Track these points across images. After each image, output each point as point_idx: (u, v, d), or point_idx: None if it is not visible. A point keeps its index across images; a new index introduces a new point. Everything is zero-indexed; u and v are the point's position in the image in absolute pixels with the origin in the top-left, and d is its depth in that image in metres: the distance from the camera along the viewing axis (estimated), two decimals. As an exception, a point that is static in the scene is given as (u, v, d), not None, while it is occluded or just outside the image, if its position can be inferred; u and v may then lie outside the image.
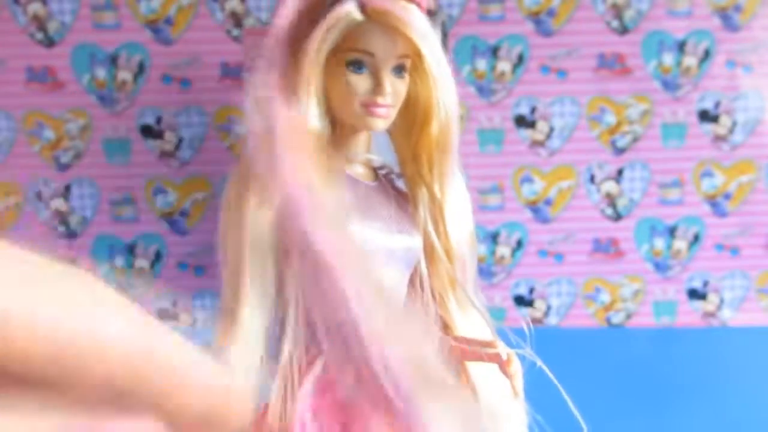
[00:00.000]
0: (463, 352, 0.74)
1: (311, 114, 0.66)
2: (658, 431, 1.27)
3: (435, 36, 0.68)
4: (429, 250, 0.74)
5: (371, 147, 0.75)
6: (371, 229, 0.70)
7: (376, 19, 0.65)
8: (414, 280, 0.76)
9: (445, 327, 0.77)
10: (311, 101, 0.66)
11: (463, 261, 0.75)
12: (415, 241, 0.73)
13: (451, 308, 0.76)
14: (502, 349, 0.71)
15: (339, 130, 0.72)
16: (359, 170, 0.75)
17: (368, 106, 0.68)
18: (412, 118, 0.73)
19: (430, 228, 0.74)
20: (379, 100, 0.67)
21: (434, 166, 0.73)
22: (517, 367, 0.70)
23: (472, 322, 0.77)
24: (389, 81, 0.68)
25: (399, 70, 0.69)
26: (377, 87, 0.67)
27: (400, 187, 0.78)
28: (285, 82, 0.65)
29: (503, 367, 0.70)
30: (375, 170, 0.78)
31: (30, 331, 0.20)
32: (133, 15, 1.64)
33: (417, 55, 0.68)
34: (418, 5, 0.67)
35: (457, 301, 0.76)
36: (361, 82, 0.67)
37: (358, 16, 0.65)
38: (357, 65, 0.67)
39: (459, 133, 0.73)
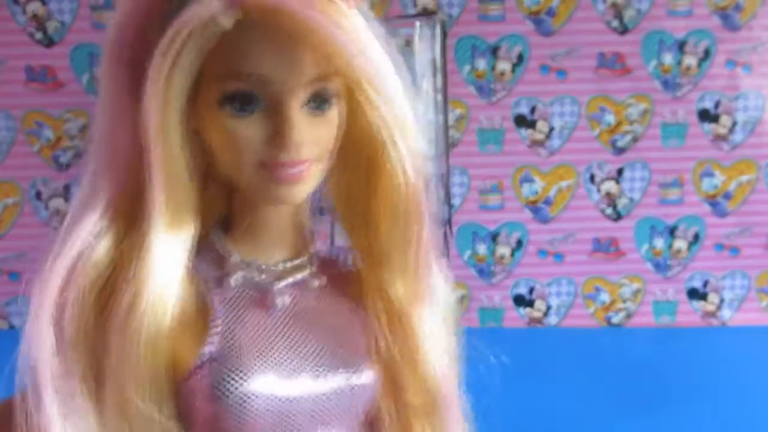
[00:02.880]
0: None
1: (165, 200, 0.39)
2: (658, 431, 1.27)
3: (372, 39, 0.42)
4: (387, 381, 0.46)
5: (303, 218, 0.48)
6: (280, 376, 0.41)
7: (262, 21, 0.38)
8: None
9: None
10: (163, 174, 0.39)
11: (440, 399, 0.47)
12: (364, 377, 0.44)
13: None
14: None
15: (238, 204, 0.44)
16: (273, 266, 0.45)
17: (271, 169, 0.40)
18: (355, 167, 0.44)
19: (384, 346, 0.45)
20: (283, 156, 0.39)
21: (392, 247, 0.45)
22: None
23: None
24: (300, 121, 0.40)
25: (318, 100, 0.41)
26: (278, 135, 0.39)
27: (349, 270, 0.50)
28: (124, 137, 0.41)
29: None
30: (299, 260, 0.46)
31: None
32: (132, 14, 1.64)
33: (348, 73, 0.41)
34: None
35: None
36: (251, 129, 0.39)
37: (225, 17, 0.38)
38: (242, 102, 0.39)
39: (427, 194, 0.45)
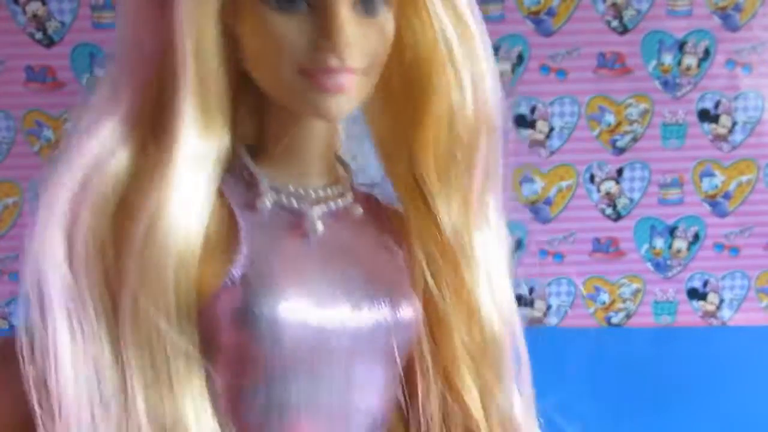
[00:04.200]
0: None
1: (196, 102, 0.35)
2: (658, 430, 1.27)
3: None
4: (433, 322, 0.41)
5: (336, 145, 0.43)
6: (311, 304, 0.36)
7: None
8: (411, 376, 0.42)
9: None
10: (194, 72, 0.34)
11: (495, 344, 0.42)
12: (405, 313, 0.39)
13: (476, 415, 0.42)
14: None
15: (272, 120, 0.39)
16: (309, 191, 0.40)
17: (312, 75, 0.35)
18: (406, 90, 0.40)
19: (432, 284, 0.40)
20: (332, 60, 0.35)
21: (446, 178, 0.40)
22: None
23: None
24: (350, 21, 0.35)
25: (370, 2, 0.36)
26: (326, 34, 0.34)
27: (393, 211, 0.44)
28: (148, 37, 0.37)
29: None
30: (342, 180, 0.43)
31: None
32: (132, 14, 1.64)
33: None
34: None
35: (485, 403, 0.42)
36: (294, 27, 0.35)
37: None
38: None
39: (500, 123, 0.41)
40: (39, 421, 0.34)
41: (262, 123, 0.39)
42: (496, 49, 1.67)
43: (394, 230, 0.42)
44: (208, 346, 0.35)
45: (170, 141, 0.34)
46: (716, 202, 1.71)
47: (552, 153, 1.69)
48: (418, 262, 0.40)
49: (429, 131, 0.40)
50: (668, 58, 1.65)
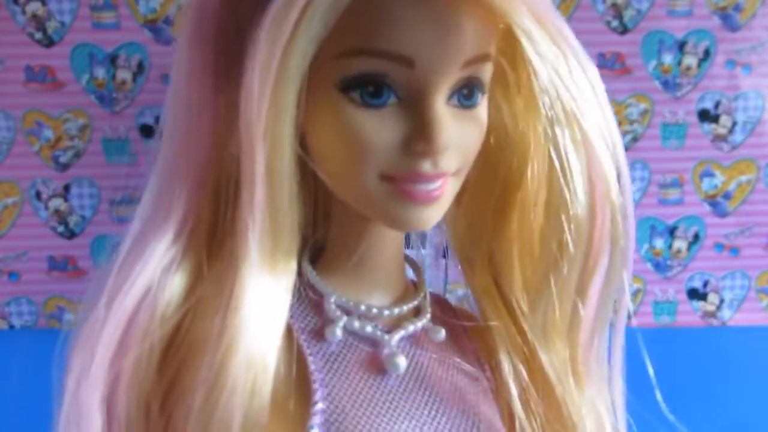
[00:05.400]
0: None
1: (266, 224, 0.27)
2: (658, 430, 1.26)
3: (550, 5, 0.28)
4: None
5: (403, 261, 0.36)
6: None
7: None
8: None
9: None
10: (268, 187, 0.27)
11: None
12: None
13: None
14: None
15: (335, 222, 0.33)
16: (382, 311, 0.33)
17: (400, 182, 0.29)
18: (489, 185, 0.33)
19: (518, 405, 0.34)
20: (425, 166, 0.29)
21: (543, 303, 0.33)
22: None
23: None
24: (449, 119, 0.29)
25: (468, 91, 0.30)
26: (423, 135, 0.28)
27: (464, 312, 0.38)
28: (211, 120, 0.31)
29: None
30: (414, 301, 0.35)
31: None
32: (132, 15, 1.64)
33: (503, 54, 0.32)
34: None
35: None
36: (380, 125, 0.28)
37: None
38: (371, 87, 0.28)
39: (631, 228, 0.33)
40: None
41: (322, 223, 0.32)
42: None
43: (475, 345, 0.34)
44: None
45: (235, 263, 0.27)
46: (716, 202, 1.71)
47: (552, 153, 1.69)
48: (505, 380, 0.33)
49: (517, 235, 0.32)
50: (668, 58, 1.65)
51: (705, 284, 1.74)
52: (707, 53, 1.65)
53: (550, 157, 0.30)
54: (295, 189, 0.28)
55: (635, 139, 1.68)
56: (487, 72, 0.31)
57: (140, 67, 1.66)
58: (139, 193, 0.32)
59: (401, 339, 0.31)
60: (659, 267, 1.74)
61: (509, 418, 0.33)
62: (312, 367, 0.29)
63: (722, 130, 1.68)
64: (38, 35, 1.64)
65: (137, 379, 0.26)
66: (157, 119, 1.68)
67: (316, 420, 0.28)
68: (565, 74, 0.31)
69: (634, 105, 1.67)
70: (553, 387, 0.32)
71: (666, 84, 1.66)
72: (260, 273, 0.26)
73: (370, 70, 0.27)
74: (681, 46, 1.65)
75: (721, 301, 1.75)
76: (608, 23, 1.64)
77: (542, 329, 0.31)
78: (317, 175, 0.29)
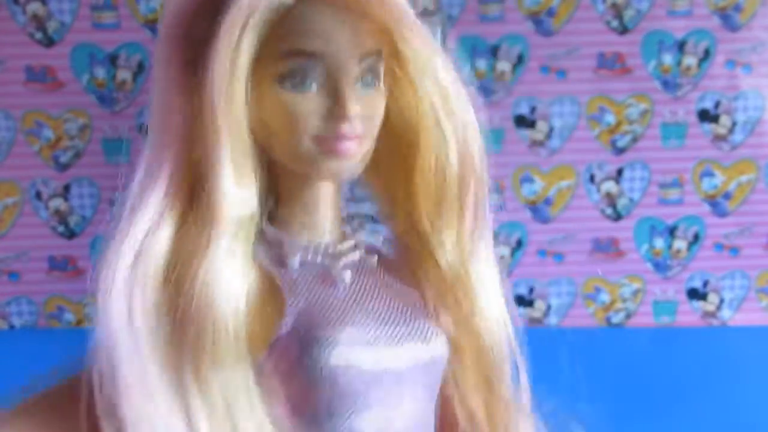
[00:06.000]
0: None
1: (237, 181, 0.39)
2: (658, 431, 1.27)
3: (414, 16, 0.44)
4: (452, 351, 0.46)
5: (340, 200, 0.47)
6: (360, 345, 0.41)
7: None
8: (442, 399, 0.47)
9: None
10: (240, 155, 0.40)
11: (499, 362, 0.48)
12: (436, 346, 0.44)
13: (479, 414, 0.48)
14: None
15: (286, 186, 0.44)
16: (327, 247, 0.45)
17: (325, 142, 0.41)
18: (396, 146, 0.45)
19: (445, 317, 0.46)
20: (343, 128, 0.41)
21: (438, 223, 0.46)
22: None
23: None
24: (354, 95, 0.41)
25: (369, 76, 0.43)
26: (336, 108, 0.40)
27: (395, 256, 0.50)
28: (182, 119, 0.41)
29: None
30: (350, 240, 0.47)
31: None
32: (132, 15, 1.64)
33: (393, 50, 0.43)
34: None
35: (494, 418, 0.48)
36: (308, 103, 0.40)
37: None
38: (299, 77, 0.40)
39: (483, 167, 0.48)
40: None
41: (273, 190, 0.44)
42: (496, 49, 1.67)
43: (403, 274, 0.47)
44: (270, 392, 0.39)
45: (210, 213, 0.39)
46: (716, 202, 1.71)
47: (552, 153, 1.69)
48: (429, 299, 0.46)
49: (419, 183, 0.46)
50: (668, 58, 1.65)
51: (705, 284, 1.74)
52: (707, 53, 1.65)
53: (434, 129, 0.45)
54: (249, 148, 0.40)
55: (635, 139, 1.69)
56: (380, 66, 0.43)
57: (140, 67, 1.66)
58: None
59: (344, 264, 0.44)
60: (659, 267, 1.74)
61: (436, 314, 0.47)
62: (280, 282, 0.41)
63: (722, 130, 1.68)
64: (38, 35, 1.64)
65: (147, 296, 0.38)
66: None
67: (289, 317, 0.39)
68: (432, 65, 0.44)
69: (634, 105, 1.67)
70: (464, 278, 0.47)
71: (666, 84, 1.66)
72: (230, 213, 0.39)
73: (295, 66, 0.40)
74: (681, 46, 1.65)
75: (721, 301, 1.75)
76: (608, 23, 1.64)
77: (439, 240, 0.46)
78: (263, 159, 0.42)
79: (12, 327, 1.75)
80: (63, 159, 1.69)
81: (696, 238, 1.72)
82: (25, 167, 1.68)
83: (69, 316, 1.75)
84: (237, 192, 0.40)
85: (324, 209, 0.45)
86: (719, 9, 1.63)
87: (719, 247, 1.73)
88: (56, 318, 1.75)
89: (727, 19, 1.63)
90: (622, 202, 1.71)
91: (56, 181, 1.70)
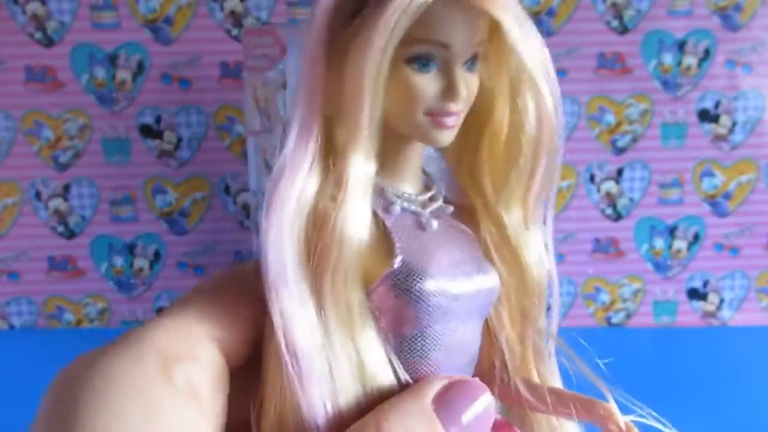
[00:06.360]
0: (546, 405, 0.59)
1: (367, 143, 0.49)
2: (658, 431, 1.26)
3: (520, 10, 0.52)
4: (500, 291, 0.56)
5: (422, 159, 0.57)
6: (446, 279, 0.51)
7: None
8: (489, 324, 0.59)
9: (526, 383, 0.59)
10: (372, 121, 0.48)
11: (541, 303, 0.58)
12: (493, 280, 0.54)
13: (530, 358, 0.60)
14: (618, 414, 0.55)
15: (389, 145, 0.53)
16: (416, 197, 0.55)
17: (436, 116, 0.50)
18: (470, 112, 0.53)
19: (499, 265, 0.55)
20: (452, 107, 0.49)
21: (506, 182, 0.54)
22: None
23: (555, 376, 0.62)
24: (463, 79, 0.49)
25: (472, 62, 0.51)
26: (450, 90, 0.48)
27: (460, 201, 0.59)
28: (327, 97, 0.50)
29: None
30: (431, 187, 0.58)
31: None
32: (132, 15, 1.64)
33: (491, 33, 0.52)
34: None
35: (528, 348, 0.60)
36: (428, 84, 0.48)
37: None
38: (425, 62, 0.48)
39: (556, 144, 0.53)
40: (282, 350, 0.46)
41: (381, 150, 0.52)
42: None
43: (467, 220, 0.56)
44: (378, 311, 0.49)
45: (345, 169, 0.48)
46: (716, 202, 1.71)
47: (552, 153, 1.69)
48: (488, 247, 0.55)
49: (487, 152, 0.54)
50: (668, 58, 1.65)
51: (705, 284, 1.75)
52: (707, 53, 1.65)
53: (512, 101, 0.52)
54: (378, 117, 0.48)
55: (635, 139, 1.69)
56: (481, 52, 0.51)
57: (140, 67, 1.66)
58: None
59: (431, 212, 0.53)
60: (659, 267, 1.74)
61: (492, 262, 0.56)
62: (388, 224, 0.50)
63: (722, 130, 1.68)
64: (38, 35, 1.64)
65: (299, 234, 0.46)
66: (157, 119, 1.68)
67: (398, 253, 0.49)
68: (527, 47, 0.52)
69: (634, 105, 1.67)
70: (511, 238, 0.55)
71: (666, 84, 1.66)
72: (361, 169, 0.48)
73: (424, 51, 0.48)
74: (681, 46, 1.65)
75: (721, 301, 1.75)
76: (608, 23, 1.64)
77: (506, 204, 0.54)
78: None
79: (12, 327, 1.75)
80: (63, 159, 1.69)
81: (696, 238, 1.72)
82: (25, 167, 1.69)
83: (69, 316, 1.75)
84: (365, 159, 0.48)
85: (415, 165, 0.55)
86: (719, 9, 1.63)
87: (719, 247, 1.73)
88: (56, 318, 1.75)
89: (727, 19, 1.64)
90: (622, 202, 1.71)
91: (56, 181, 1.70)
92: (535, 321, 0.58)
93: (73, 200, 1.70)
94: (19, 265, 1.72)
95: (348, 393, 0.47)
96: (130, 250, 1.74)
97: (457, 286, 0.51)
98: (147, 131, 1.68)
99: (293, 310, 0.46)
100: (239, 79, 1.62)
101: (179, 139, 1.69)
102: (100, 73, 1.65)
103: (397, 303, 0.49)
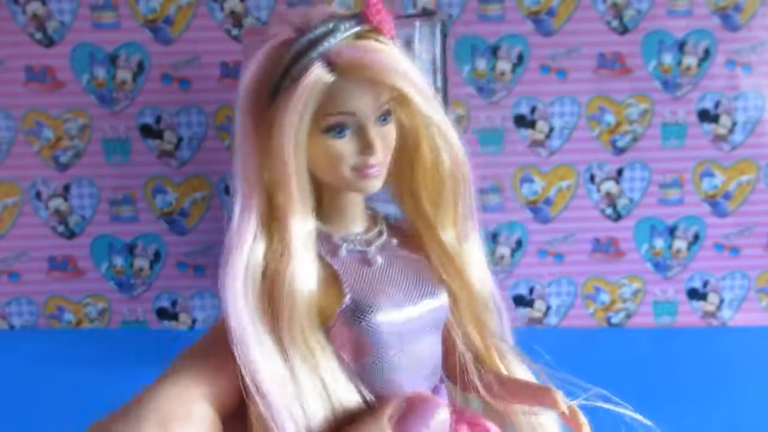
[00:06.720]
0: (513, 397, 0.65)
1: (301, 204, 0.57)
2: (658, 430, 1.26)
3: (410, 64, 0.58)
4: (452, 302, 0.64)
5: (363, 201, 0.64)
6: (393, 308, 0.58)
7: (349, 74, 0.55)
8: (445, 335, 0.65)
9: (493, 380, 0.66)
10: (300, 184, 0.57)
11: (487, 307, 0.66)
12: (441, 299, 0.61)
13: (494, 355, 0.67)
14: (562, 399, 0.62)
15: (328, 198, 0.61)
16: (360, 235, 0.63)
17: (360, 170, 0.58)
18: (402, 148, 0.62)
19: (446, 278, 0.63)
20: (371, 160, 0.57)
21: (438, 210, 0.63)
22: (582, 420, 0.62)
23: (514, 372, 0.68)
24: (377, 136, 0.57)
25: (384, 117, 0.58)
26: (366, 148, 0.57)
27: (407, 231, 0.67)
28: (258, 159, 0.58)
29: (566, 419, 0.62)
30: (377, 224, 0.65)
31: None
32: (132, 15, 1.64)
33: (399, 93, 0.58)
34: (383, 33, 0.58)
35: (491, 348, 0.67)
36: (346, 146, 0.57)
37: (328, 78, 0.54)
38: (338, 129, 0.56)
39: (468, 170, 0.62)
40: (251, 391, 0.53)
41: (320, 202, 0.61)
42: (496, 49, 1.67)
43: (418, 246, 0.64)
44: (341, 345, 0.57)
45: (286, 232, 0.56)
46: (716, 202, 1.71)
47: (552, 153, 1.69)
48: (434, 266, 0.63)
49: (421, 176, 0.63)
50: (668, 58, 1.65)
51: (705, 284, 1.75)
52: (707, 53, 1.65)
53: (430, 140, 0.61)
54: (307, 184, 0.57)
55: (635, 139, 1.69)
56: (392, 108, 0.59)
57: (140, 67, 1.66)
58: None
59: (375, 248, 0.62)
60: (659, 267, 1.74)
61: (441, 278, 0.63)
62: (336, 268, 0.58)
63: (722, 130, 1.68)
64: (38, 35, 1.64)
65: (253, 290, 0.54)
66: (157, 119, 1.68)
67: (347, 294, 0.56)
68: (429, 106, 0.59)
69: (634, 105, 1.67)
70: (459, 255, 0.64)
71: (666, 84, 1.66)
72: (301, 229, 0.57)
73: (335, 121, 0.56)
74: (681, 46, 1.65)
75: (721, 301, 1.75)
76: (608, 23, 1.64)
77: (442, 226, 0.63)
78: (313, 180, 0.59)
79: (12, 327, 1.75)
80: (63, 159, 1.69)
81: (696, 238, 1.72)
82: (25, 167, 1.69)
83: (69, 317, 1.75)
84: (302, 218, 0.57)
85: (357, 208, 0.63)
86: (719, 9, 1.63)
87: (719, 247, 1.73)
88: (56, 318, 1.75)
89: (727, 19, 1.64)
90: (622, 202, 1.71)
91: (56, 181, 1.70)
92: (488, 325, 0.66)
93: (74, 200, 1.70)
94: (20, 265, 1.72)
95: (317, 417, 0.54)
96: (130, 250, 1.74)
97: (404, 314, 0.58)
98: (147, 131, 1.68)
99: (257, 360, 0.53)
100: (239, 79, 1.62)
101: (179, 139, 1.69)
102: (100, 73, 1.65)
103: (353, 335, 0.56)
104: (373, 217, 0.65)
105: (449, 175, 0.61)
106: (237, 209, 0.57)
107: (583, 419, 0.62)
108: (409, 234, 0.66)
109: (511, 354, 0.68)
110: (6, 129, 1.66)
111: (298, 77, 0.55)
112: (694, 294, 1.75)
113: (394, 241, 0.64)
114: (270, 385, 0.53)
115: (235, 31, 1.65)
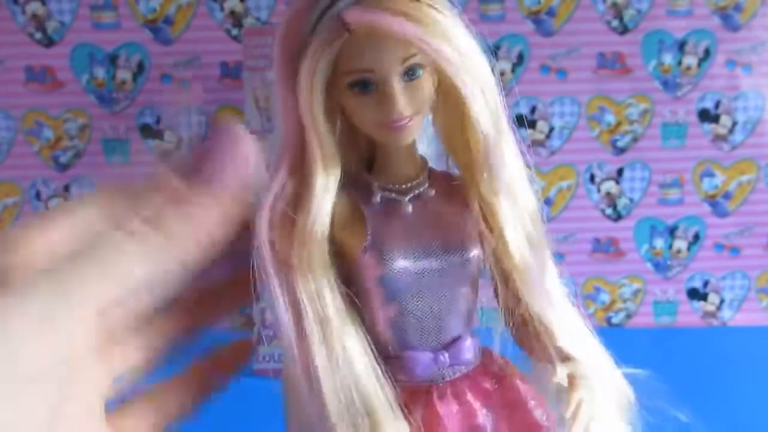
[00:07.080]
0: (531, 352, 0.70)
1: (324, 156, 0.59)
2: (658, 431, 1.26)
3: (442, 14, 0.58)
4: (493, 257, 0.66)
5: (413, 148, 0.66)
6: (408, 258, 0.61)
7: (361, 32, 0.55)
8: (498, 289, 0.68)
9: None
10: (321, 137, 0.59)
11: (528, 269, 0.70)
12: (468, 254, 0.63)
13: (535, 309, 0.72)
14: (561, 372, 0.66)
15: (377, 147, 0.64)
16: (399, 184, 0.65)
17: (384, 127, 0.59)
18: (450, 109, 0.63)
19: (487, 234, 0.64)
20: (394, 116, 0.58)
21: (479, 160, 0.64)
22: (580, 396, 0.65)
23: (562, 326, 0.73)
24: (401, 92, 0.58)
25: (411, 72, 0.59)
26: (387, 104, 0.57)
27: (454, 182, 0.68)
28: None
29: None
30: (417, 179, 0.66)
31: None
32: (132, 15, 1.64)
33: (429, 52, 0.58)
34: None
35: (525, 307, 0.71)
36: (369, 102, 0.58)
37: (341, 36, 0.55)
38: (360, 85, 0.58)
39: (508, 121, 0.65)
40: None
41: (371, 149, 0.65)
42: (496, 49, 1.67)
43: (462, 198, 0.65)
44: (356, 286, 0.60)
45: (309, 178, 0.59)
46: (716, 202, 1.71)
47: (552, 153, 1.69)
48: (476, 216, 0.64)
49: (466, 130, 0.62)
50: (668, 58, 1.65)
51: (705, 284, 1.74)
52: (707, 53, 1.65)
53: (470, 94, 0.60)
54: (331, 136, 0.60)
55: (635, 139, 1.69)
56: (418, 60, 0.59)
57: (140, 67, 1.66)
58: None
59: (410, 197, 0.64)
60: (659, 267, 1.74)
61: (481, 230, 0.65)
62: (365, 213, 0.62)
63: (722, 130, 1.68)
64: (38, 35, 1.64)
65: (279, 222, 0.58)
66: (157, 119, 1.68)
67: (368, 238, 0.60)
68: (457, 62, 0.59)
69: (634, 105, 1.67)
70: (494, 214, 0.64)
71: (666, 84, 1.66)
72: (320, 176, 0.59)
73: (355, 78, 0.58)
74: (681, 46, 1.65)
75: (722, 301, 1.75)
76: (608, 23, 1.64)
77: (482, 177, 0.64)
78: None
79: (12, 327, 1.75)
80: (63, 159, 1.69)
81: (696, 238, 1.72)
82: (25, 167, 1.69)
83: (69, 316, 1.75)
84: (324, 173, 0.59)
85: (399, 160, 0.64)
86: (719, 9, 1.63)
87: (719, 247, 1.73)
88: (56, 318, 1.75)
89: (727, 19, 1.64)
90: (622, 202, 1.71)
91: (56, 181, 1.70)
92: (525, 286, 0.70)
93: (74, 200, 1.70)
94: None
95: (320, 354, 0.57)
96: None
97: (419, 264, 0.61)
98: (147, 131, 1.68)
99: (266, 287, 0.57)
100: (239, 79, 1.62)
101: (179, 140, 1.69)
102: (100, 73, 1.65)
103: (372, 282, 0.61)
104: (422, 167, 0.66)
105: (489, 125, 0.61)
106: (274, 157, 0.60)
107: (581, 395, 0.66)
108: (456, 186, 0.66)
109: (549, 313, 0.72)
110: (6, 129, 1.66)
111: (315, 35, 0.57)
112: (695, 294, 1.75)
113: (432, 191, 0.65)
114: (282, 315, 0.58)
115: (235, 31, 1.65)
